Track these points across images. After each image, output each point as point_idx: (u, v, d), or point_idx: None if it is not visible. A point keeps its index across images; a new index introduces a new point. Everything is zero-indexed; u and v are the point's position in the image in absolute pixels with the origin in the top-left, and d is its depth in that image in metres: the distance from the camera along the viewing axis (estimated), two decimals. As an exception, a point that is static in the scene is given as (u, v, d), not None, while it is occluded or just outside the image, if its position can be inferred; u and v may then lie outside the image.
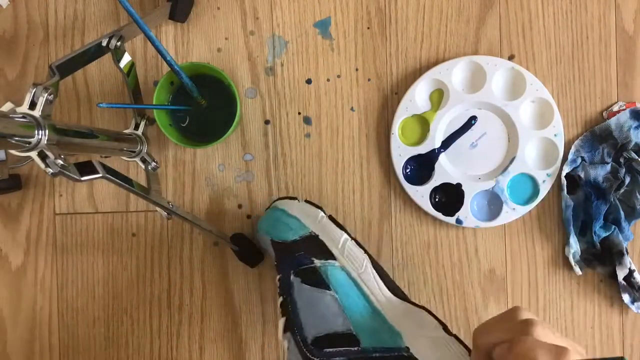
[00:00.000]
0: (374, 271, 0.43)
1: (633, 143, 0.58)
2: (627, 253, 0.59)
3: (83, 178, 0.39)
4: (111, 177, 0.42)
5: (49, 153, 0.36)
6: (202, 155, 0.62)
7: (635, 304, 0.59)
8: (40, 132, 0.35)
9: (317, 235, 0.45)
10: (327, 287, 0.42)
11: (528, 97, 0.59)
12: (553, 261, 0.61)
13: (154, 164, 0.55)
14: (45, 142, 0.35)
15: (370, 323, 0.40)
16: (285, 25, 0.61)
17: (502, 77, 0.59)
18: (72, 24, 0.62)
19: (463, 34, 0.61)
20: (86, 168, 0.40)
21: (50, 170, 0.36)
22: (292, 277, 0.44)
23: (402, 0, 0.61)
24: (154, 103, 0.55)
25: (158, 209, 0.51)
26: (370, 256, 0.45)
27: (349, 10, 0.61)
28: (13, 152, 0.35)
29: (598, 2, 0.60)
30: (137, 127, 0.55)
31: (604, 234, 0.59)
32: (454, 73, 0.59)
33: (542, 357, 0.29)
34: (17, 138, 0.33)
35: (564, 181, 0.60)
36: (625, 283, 0.59)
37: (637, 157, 0.58)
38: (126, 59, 0.49)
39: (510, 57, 0.61)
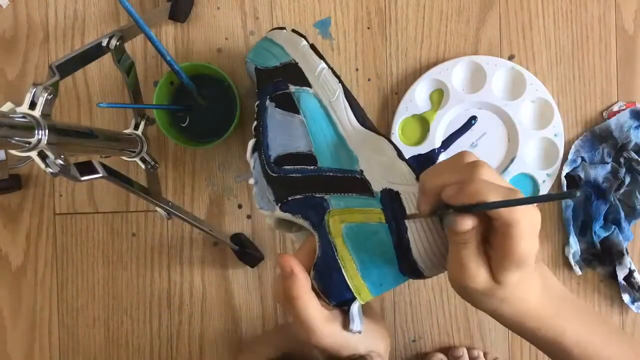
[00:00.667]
0: (346, 101, 0.44)
1: (633, 143, 0.58)
2: (627, 253, 0.59)
3: (83, 178, 0.39)
4: (111, 177, 0.42)
5: (49, 153, 0.36)
6: (202, 155, 0.62)
7: (635, 304, 0.59)
8: (40, 132, 0.34)
9: (297, 63, 0.46)
10: (297, 112, 0.44)
11: (528, 97, 0.59)
12: (553, 261, 0.61)
13: (154, 163, 0.55)
14: (45, 142, 0.35)
15: (332, 147, 0.42)
16: (285, 25, 0.61)
17: (502, 77, 0.59)
18: (72, 24, 0.62)
19: (463, 34, 0.61)
20: (86, 168, 0.40)
21: (50, 170, 0.36)
22: (267, 102, 0.46)
23: (402, 0, 0.61)
24: (154, 103, 0.55)
25: (158, 209, 0.51)
26: (344, 87, 0.45)
27: (349, 10, 0.61)
28: (13, 152, 0.35)
29: (598, 2, 0.60)
30: (137, 127, 0.55)
31: (604, 234, 0.59)
32: (454, 73, 0.59)
33: (493, 196, 0.30)
34: (17, 138, 0.33)
35: (564, 181, 0.60)
36: (625, 283, 0.59)
37: (637, 157, 0.58)
38: (126, 59, 0.49)
39: (510, 57, 0.61)
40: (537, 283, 0.35)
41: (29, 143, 0.34)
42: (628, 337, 0.38)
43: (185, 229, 0.62)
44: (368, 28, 0.61)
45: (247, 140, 0.62)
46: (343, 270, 0.36)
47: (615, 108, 0.60)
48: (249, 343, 0.61)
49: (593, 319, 0.37)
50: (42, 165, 0.36)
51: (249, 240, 0.61)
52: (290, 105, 0.45)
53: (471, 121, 0.60)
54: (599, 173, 0.59)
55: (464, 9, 0.61)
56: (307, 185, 0.40)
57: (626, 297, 0.59)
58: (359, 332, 0.37)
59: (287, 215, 0.40)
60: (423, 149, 0.59)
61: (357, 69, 0.61)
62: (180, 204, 0.62)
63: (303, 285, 0.35)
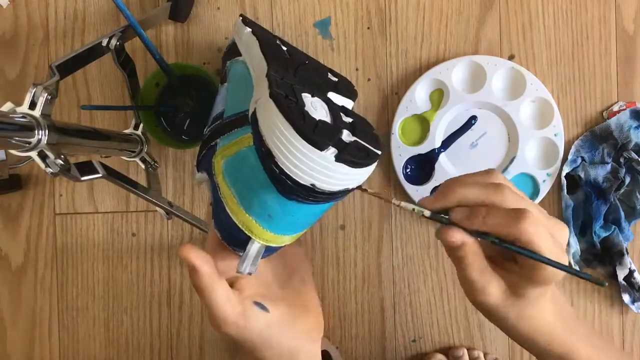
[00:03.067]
0: (261, 54, 0.43)
1: (633, 143, 0.58)
2: (627, 253, 0.59)
3: (83, 178, 0.39)
4: (111, 177, 0.42)
5: (49, 153, 0.36)
6: (202, 155, 0.62)
7: (636, 304, 0.59)
8: (40, 132, 0.35)
9: (234, 41, 0.49)
10: (226, 81, 0.46)
11: (528, 97, 0.59)
12: (553, 261, 0.61)
13: (154, 163, 0.55)
14: (45, 142, 0.35)
15: (242, 94, 0.41)
16: (285, 25, 0.61)
17: (502, 77, 0.59)
18: (72, 24, 0.62)
19: (463, 34, 0.61)
20: (86, 168, 0.40)
21: (50, 170, 0.36)
22: (220, 82, 0.49)
23: (402, 0, 0.61)
24: (139, 104, 0.54)
25: (158, 209, 0.51)
26: (261, 42, 0.45)
27: (349, 10, 0.61)
28: (13, 152, 0.35)
29: (598, 2, 0.60)
30: (137, 127, 0.55)
31: (604, 234, 0.59)
32: (454, 73, 0.59)
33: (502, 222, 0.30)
34: (17, 138, 0.33)
35: (563, 181, 0.60)
36: (625, 283, 0.59)
37: (637, 157, 0.58)
38: (126, 58, 0.49)
39: (510, 57, 0.61)
40: (552, 299, 0.35)
41: (29, 143, 0.34)
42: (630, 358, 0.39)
43: (185, 229, 0.62)
44: (368, 28, 0.61)
45: (247, 140, 0.62)
46: (227, 208, 0.33)
47: (615, 108, 0.60)
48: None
49: (599, 339, 0.38)
50: (42, 165, 0.36)
51: (249, 240, 0.61)
52: (224, 77, 0.47)
53: (471, 121, 0.60)
54: (599, 173, 0.59)
55: (464, 9, 0.61)
56: (209, 139, 0.40)
57: (626, 297, 0.59)
58: (249, 274, 0.33)
59: (199, 175, 0.40)
60: (423, 149, 0.59)
61: (357, 69, 0.61)
62: (180, 204, 0.62)
63: (207, 277, 0.31)
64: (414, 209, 0.34)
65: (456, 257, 0.32)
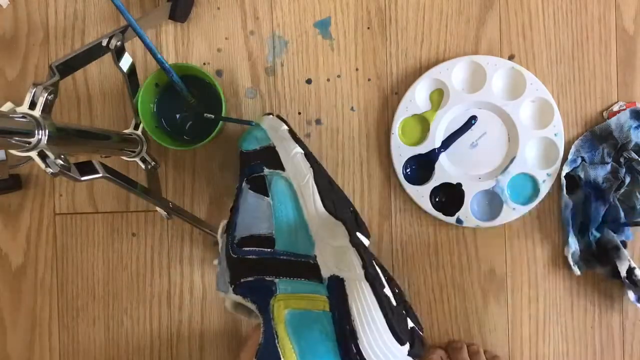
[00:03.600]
0: (314, 185, 0.44)
1: (633, 143, 0.58)
2: (625, 247, 0.58)
3: (83, 178, 0.39)
4: (111, 177, 0.42)
5: (49, 153, 0.36)
6: (202, 155, 0.62)
7: None
8: (40, 132, 0.35)
9: (275, 147, 0.47)
10: (267, 194, 0.45)
11: (528, 97, 0.59)
12: (553, 261, 0.61)
13: (154, 163, 0.55)
14: (45, 142, 0.35)
15: (293, 230, 0.42)
16: (285, 25, 0.61)
17: (502, 77, 0.59)
18: (72, 24, 0.62)
19: (463, 34, 0.61)
20: (86, 168, 0.40)
21: (50, 170, 0.36)
22: (244, 184, 0.47)
23: (402, 0, 0.61)
24: (138, 105, 0.54)
25: (158, 209, 0.51)
26: (315, 171, 0.45)
27: (349, 10, 0.61)
28: (13, 152, 0.35)
29: (598, 2, 0.60)
30: (137, 127, 0.55)
31: (599, 235, 0.59)
32: (454, 73, 0.59)
33: None
34: (17, 138, 0.33)
35: (563, 181, 0.60)
36: (628, 281, 0.58)
37: (637, 157, 0.58)
38: (126, 59, 0.49)
39: (510, 57, 0.61)
40: None
41: (29, 143, 0.34)
42: None
43: (185, 229, 0.62)
44: (368, 28, 0.61)
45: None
46: (282, 358, 0.35)
47: (615, 108, 0.60)
48: (248, 342, 0.61)
49: None
50: (42, 165, 0.36)
51: (249, 240, 0.61)
52: (262, 187, 0.45)
53: (471, 121, 0.60)
54: (599, 173, 0.59)
55: (464, 9, 0.61)
56: (260, 268, 0.40)
57: (632, 295, 0.58)
58: None
59: (239, 298, 0.40)
60: (423, 149, 0.59)
61: (357, 69, 0.61)
62: (180, 204, 0.62)
63: None
64: None
65: None
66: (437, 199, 0.60)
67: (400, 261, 0.62)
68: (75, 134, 0.40)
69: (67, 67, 0.43)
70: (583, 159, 0.60)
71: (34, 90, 0.36)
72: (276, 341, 0.35)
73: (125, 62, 0.49)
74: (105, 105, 0.62)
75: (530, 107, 0.60)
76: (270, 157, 0.47)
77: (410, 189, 0.60)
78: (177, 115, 0.59)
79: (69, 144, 0.39)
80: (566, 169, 0.59)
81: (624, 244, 0.59)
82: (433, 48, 0.61)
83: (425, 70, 0.60)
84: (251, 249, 0.42)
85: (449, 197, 0.60)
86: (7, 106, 0.56)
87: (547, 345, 0.61)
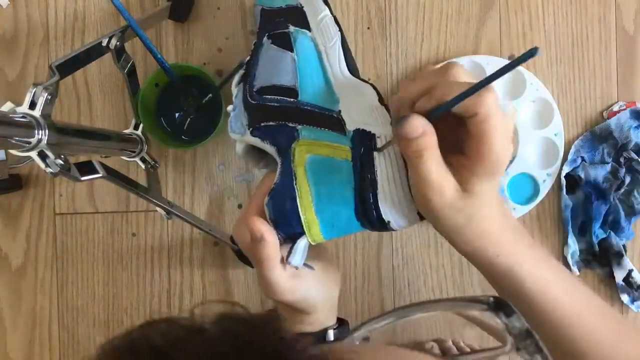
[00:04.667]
0: (341, 50, 0.44)
1: (633, 143, 0.58)
2: (626, 253, 0.58)
3: (83, 178, 0.39)
4: (111, 177, 0.42)
5: (49, 153, 0.36)
6: (202, 155, 0.62)
7: (635, 303, 0.59)
8: (40, 132, 0.35)
9: (302, 7, 0.47)
10: (291, 50, 0.44)
11: (528, 97, 0.59)
12: (553, 261, 0.61)
13: (154, 163, 0.55)
14: (45, 142, 0.35)
15: (316, 87, 0.42)
16: None
17: (502, 77, 0.59)
18: (72, 24, 0.62)
19: (463, 34, 0.61)
20: (86, 168, 0.40)
21: (50, 170, 0.36)
22: (264, 39, 0.46)
23: (402, 0, 0.61)
24: (138, 105, 0.54)
25: (158, 209, 0.51)
26: (343, 37, 0.45)
27: (349, 10, 0.61)
28: (13, 152, 0.35)
29: (598, 2, 0.60)
30: (137, 127, 0.55)
31: (602, 235, 0.59)
32: (454, 73, 0.59)
33: (455, 93, 0.29)
34: (17, 138, 0.33)
35: (563, 181, 0.60)
36: (623, 284, 0.59)
37: (637, 157, 0.58)
38: (126, 58, 0.49)
39: (510, 57, 0.61)
40: (500, 203, 0.34)
41: (29, 143, 0.34)
42: (577, 281, 0.37)
43: (185, 229, 0.62)
44: (368, 28, 0.61)
45: (247, 140, 0.62)
46: (298, 200, 0.35)
47: (615, 108, 0.60)
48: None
49: (544, 254, 0.36)
50: (42, 165, 0.36)
51: (249, 240, 0.61)
52: (285, 43, 0.45)
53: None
54: (599, 173, 0.59)
55: (464, 9, 0.61)
56: (283, 115, 0.40)
57: (625, 298, 0.59)
58: (296, 268, 0.37)
59: (256, 141, 0.39)
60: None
61: (357, 69, 0.61)
62: (180, 204, 0.62)
63: (272, 247, 0.35)
64: (384, 147, 0.35)
65: (414, 152, 0.30)
66: (437, 199, 0.60)
67: (400, 261, 0.62)
68: (75, 134, 0.40)
69: (67, 67, 0.43)
70: (583, 159, 0.60)
71: (34, 90, 0.36)
72: (294, 182, 0.36)
73: (125, 62, 0.49)
74: (105, 105, 0.62)
75: (530, 107, 0.59)
76: (297, 16, 0.46)
77: (410, 189, 0.60)
78: (177, 115, 0.59)
79: (69, 144, 0.39)
80: (566, 169, 0.59)
81: (625, 247, 0.59)
82: (433, 48, 0.61)
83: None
84: (273, 96, 0.41)
85: (449, 197, 0.60)
86: (7, 106, 0.56)
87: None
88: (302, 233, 0.35)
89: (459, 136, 0.31)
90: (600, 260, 0.60)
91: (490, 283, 0.36)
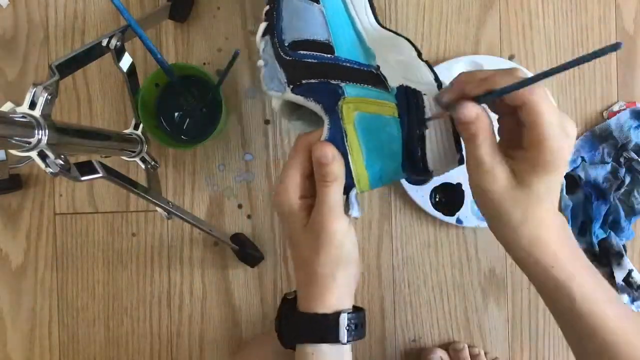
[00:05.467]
0: (367, 0, 0.44)
1: (633, 143, 0.58)
2: (626, 253, 0.58)
3: (83, 178, 0.39)
4: (111, 177, 0.42)
5: (49, 153, 0.36)
6: (202, 155, 0.62)
7: (635, 303, 0.59)
8: (40, 132, 0.34)
9: None
10: (317, 1, 0.43)
11: (528, 97, 0.58)
12: (553, 261, 0.61)
13: (154, 163, 0.55)
14: (45, 142, 0.35)
15: (349, 40, 0.42)
16: None
17: (502, 77, 0.59)
18: (72, 24, 0.62)
19: (463, 34, 0.61)
20: (86, 168, 0.40)
21: (50, 170, 0.36)
22: None
23: (402, 0, 0.61)
24: (138, 105, 0.54)
25: (158, 209, 0.51)
26: None
27: (349, 10, 0.61)
28: (13, 152, 0.35)
29: (598, 2, 0.60)
30: (137, 127, 0.55)
31: (602, 235, 0.59)
32: (454, 73, 0.59)
33: (507, 82, 0.31)
34: (17, 138, 0.33)
35: (563, 181, 0.60)
36: (623, 284, 0.59)
37: (637, 157, 0.58)
38: (126, 59, 0.49)
39: (510, 57, 0.61)
40: (558, 214, 0.34)
41: (29, 143, 0.34)
42: (627, 308, 0.37)
43: (185, 229, 0.62)
44: (368, 28, 0.61)
45: (247, 140, 0.62)
46: (349, 156, 0.36)
47: (615, 108, 0.60)
48: (247, 342, 0.61)
49: (598, 275, 0.35)
50: (42, 165, 0.36)
51: (249, 240, 0.61)
52: None
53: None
54: (599, 173, 0.59)
55: (464, 9, 0.61)
56: (323, 72, 0.39)
57: (625, 298, 0.59)
58: (356, 218, 0.38)
59: (299, 99, 0.39)
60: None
61: (357, 69, 0.61)
62: (180, 204, 0.62)
63: (339, 169, 0.36)
64: (433, 118, 0.36)
65: (468, 134, 0.32)
66: (437, 199, 0.60)
67: (400, 261, 0.62)
68: (75, 134, 0.40)
69: (67, 67, 0.43)
70: (583, 159, 0.60)
71: (34, 90, 0.36)
72: (345, 139, 0.36)
73: (125, 62, 0.49)
74: (105, 105, 0.62)
75: (530, 107, 0.59)
76: None
77: (410, 189, 0.60)
78: (177, 115, 0.59)
79: (69, 144, 0.39)
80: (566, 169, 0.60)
81: (625, 248, 0.59)
82: (433, 48, 0.61)
83: (425, 70, 0.60)
84: (309, 52, 0.40)
85: (449, 197, 0.60)
86: (7, 106, 0.56)
87: (547, 345, 0.61)
88: (352, 185, 0.37)
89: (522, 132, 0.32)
90: (600, 260, 0.60)
91: (539, 292, 0.36)
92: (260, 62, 0.43)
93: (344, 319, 0.37)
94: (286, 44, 0.41)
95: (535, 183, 0.32)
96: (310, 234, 0.37)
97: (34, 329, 0.63)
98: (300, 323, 0.39)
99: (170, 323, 0.63)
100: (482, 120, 0.32)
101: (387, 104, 0.37)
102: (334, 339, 0.37)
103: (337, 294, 0.38)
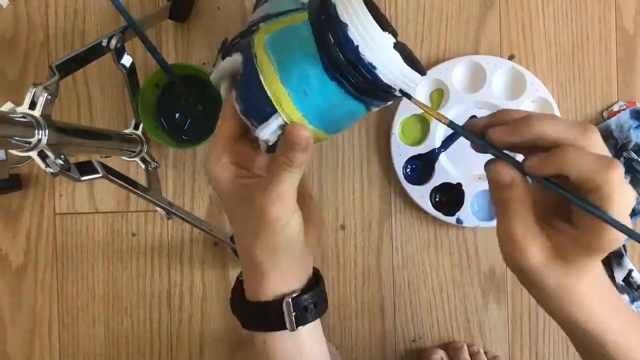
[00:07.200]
0: None
1: (633, 143, 0.58)
2: (626, 253, 0.58)
3: (83, 178, 0.39)
4: (111, 177, 0.42)
5: (49, 153, 0.36)
6: (202, 155, 0.62)
7: (635, 303, 0.59)
8: (40, 132, 0.35)
9: None
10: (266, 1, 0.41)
11: (528, 97, 0.59)
12: (553, 261, 0.61)
13: (154, 163, 0.55)
14: (45, 142, 0.35)
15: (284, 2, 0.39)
16: None
17: (502, 77, 0.59)
18: (72, 24, 0.62)
19: (463, 34, 0.61)
20: (86, 168, 0.40)
21: (50, 170, 0.36)
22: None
23: (402, 0, 0.61)
24: (138, 105, 0.54)
25: (158, 209, 0.51)
26: None
27: (349, 10, 0.61)
28: (13, 152, 0.35)
29: (598, 2, 0.60)
30: (137, 127, 0.55)
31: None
32: (454, 73, 0.59)
33: (585, 163, 0.26)
34: (17, 138, 0.33)
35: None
36: (623, 284, 0.59)
37: (637, 157, 0.58)
38: (126, 59, 0.49)
39: (510, 57, 0.61)
40: (598, 269, 0.31)
41: (29, 143, 0.34)
42: None
43: (185, 229, 0.62)
44: (368, 28, 0.61)
45: (247, 140, 0.62)
46: (260, 76, 0.31)
47: (616, 108, 0.60)
48: (247, 342, 0.61)
49: (637, 321, 0.33)
50: (42, 165, 0.36)
51: (249, 240, 0.61)
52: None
53: (471, 121, 0.60)
54: (599, 173, 0.59)
55: (464, 9, 0.61)
56: (245, 31, 0.37)
57: (625, 298, 0.59)
58: (266, 143, 0.33)
59: (227, 61, 0.36)
60: (423, 148, 0.59)
61: (357, 69, 0.61)
62: (180, 204, 0.62)
63: (308, 157, 0.32)
64: (473, 140, 0.30)
65: (501, 200, 0.28)
66: (437, 199, 0.60)
67: (400, 261, 0.62)
68: (75, 134, 0.40)
69: (67, 67, 0.43)
70: (583, 159, 0.60)
71: (34, 90, 0.36)
72: (255, 62, 0.32)
73: (125, 62, 0.49)
74: (105, 105, 0.62)
75: (530, 107, 0.60)
76: None
77: (410, 189, 0.60)
78: (177, 115, 0.59)
79: (69, 144, 0.39)
80: (566, 169, 0.59)
81: (625, 248, 0.59)
82: (433, 48, 0.61)
83: (426, 70, 0.60)
84: (241, 32, 0.38)
85: (449, 197, 0.60)
86: (7, 106, 0.56)
87: (547, 345, 0.61)
88: (273, 112, 0.32)
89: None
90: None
91: (572, 339, 0.34)
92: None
93: (288, 305, 0.34)
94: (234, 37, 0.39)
95: (582, 261, 0.28)
96: (249, 214, 0.33)
97: (34, 329, 0.63)
98: (245, 312, 0.36)
99: (170, 323, 0.63)
100: (518, 186, 0.28)
101: (297, 15, 0.33)
102: (280, 326, 0.34)
103: (281, 279, 0.34)
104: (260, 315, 0.35)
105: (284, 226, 0.32)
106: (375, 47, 0.29)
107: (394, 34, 0.30)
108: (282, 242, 0.33)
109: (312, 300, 0.35)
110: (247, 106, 0.33)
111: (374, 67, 0.29)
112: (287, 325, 0.34)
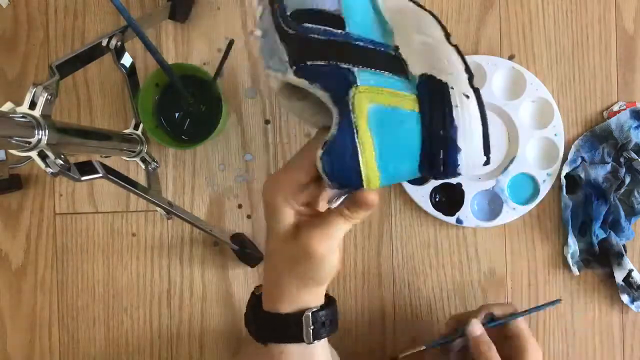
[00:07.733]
0: None
1: (633, 143, 0.58)
2: (626, 253, 0.58)
3: (83, 178, 0.39)
4: (111, 177, 0.42)
5: (49, 153, 0.36)
6: (202, 155, 0.62)
7: (635, 303, 0.59)
8: (40, 132, 0.35)
9: None
10: None
11: (528, 97, 0.59)
12: (553, 261, 0.61)
13: (154, 164, 0.55)
14: (45, 142, 0.35)
15: (363, 10, 0.36)
16: None
17: (502, 77, 0.59)
18: (72, 24, 0.62)
19: (463, 33, 0.61)
20: (86, 168, 0.40)
21: (50, 170, 0.36)
22: None
23: (402, 0, 0.61)
24: (138, 105, 0.54)
25: (158, 209, 0.51)
26: None
27: (349, 10, 0.61)
28: (13, 152, 0.35)
29: (598, 2, 0.60)
30: (137, 127, 0.55)
31: (602, 235, 0.59)
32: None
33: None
34: (17, 138, 0.33)
35: (563, 181, 0.60)
36: (623, 284, 0.59)
37: (637, 157, 0.58)
38: (126, 58, 0.49)
39: (510, 57, 0.61)
40: None
41: (29, 143, 0.34)
42: None
43: (185, 229, 0.62)
44: (368, 28, 0.61)
45: (247, 140, 0.62)
46: (360, 156, 0.31)
47: (616, 108, 0.60)
48: (247, 342, 0.61)
49: None
50: (42, 165, 0.36)
51: (249, 240, 0.61)
52: None
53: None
54: (599, 173, 0.59)
55: (464, 9, 0.61)
56: (332, 52, 0.34)
57: (625, 298, 0.59)
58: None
59: (302, 82, 0.33)
60: (423, 149, 0.59)
61: (357, 69, 0.61)
62: (180, 204, 0.62)
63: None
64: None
65: (478, 353, 0.47)
66: (437, 199, 0.60)
67: (400, 261, 0.62)
68: (75, 134, 0.40)
69: (67, 67, 0.43)
70: (583, 159, 0.60)
71: (34, 90, 0.36)
72: (355, 136, 0.31)
73: (125, 62, 0.49)
74: (105, 105, 0.62)
75: (530, 107, 0.60)
76: None
77: (410, 189, 0.60)
78: (177, 115, 0.59)
79: (69, 144, 0.39)
80: (566, 169, 0.59)
81: (625, 248, 0.59)
82: (433, 48, 0.61)
83: (425, 70, 0.60)
84: (315, 26, 0.34)
85: (449, 197, 0.60)
86: (7, 106, 0.56)
87: (547, 345, 0.61)
88: (359, 186, 0.32)
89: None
90: (600, 260, 0.60)
91: None
92: (258, 32, 0.36)
93: (308, 318, 0.36)
94: (288, 12, 0.35)
95: None
96: (292, 249, 0.35)
97: (34, 329, 0.63)
98: (264, 322, 0.38)
99: (170, 323, 0.63)
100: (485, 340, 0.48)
101: (407, 96, 0.32)
102: (298, 338, 0.36)
103: (304, 295, 0.37)
104: (279, 326, 0.37)
105: (324, 262, 0.35)
106: (473, 168, 0.32)
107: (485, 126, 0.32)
108: (317, 274, 0.35)
109: (327, 317, 0.37)
110: (335, 172, 0.33)
111: (460, 175, 0.32)
112: (304, 337, 0.36)
